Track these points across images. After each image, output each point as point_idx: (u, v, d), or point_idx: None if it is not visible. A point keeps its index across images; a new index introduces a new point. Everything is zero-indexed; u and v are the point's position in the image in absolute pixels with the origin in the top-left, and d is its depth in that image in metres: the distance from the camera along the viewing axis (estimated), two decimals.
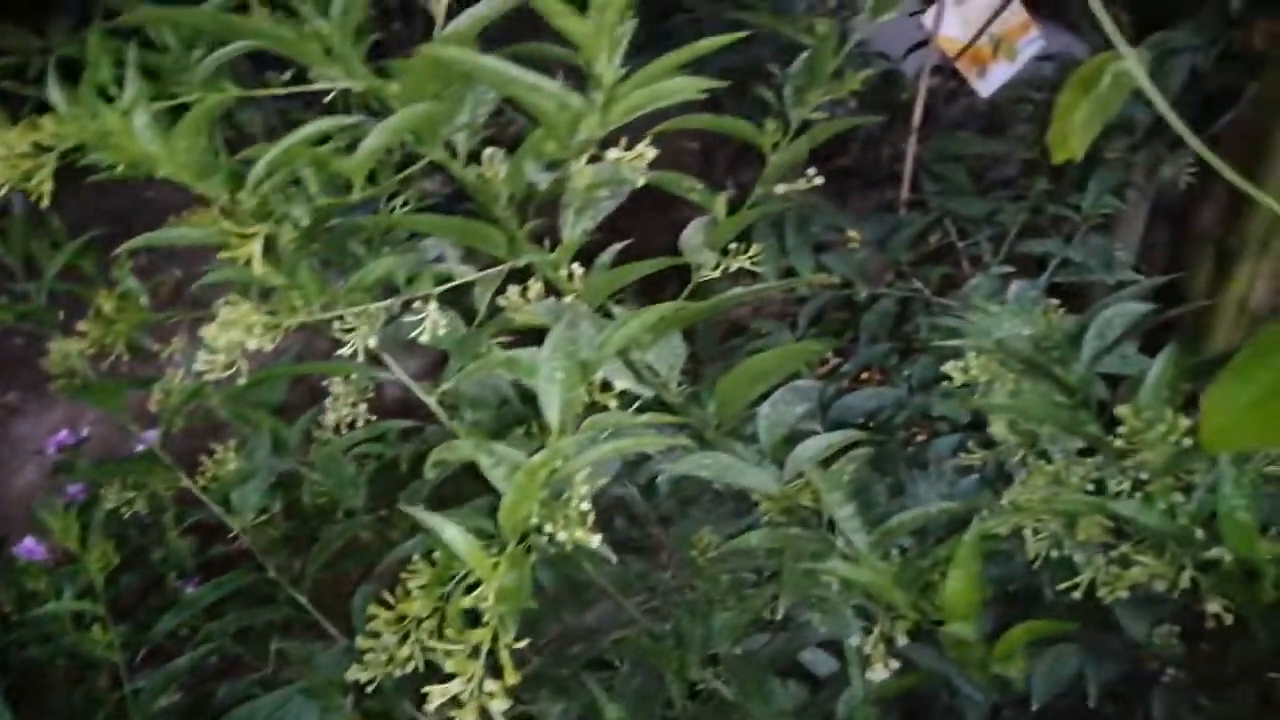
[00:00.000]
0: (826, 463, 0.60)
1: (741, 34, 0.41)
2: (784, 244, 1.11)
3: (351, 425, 0.72)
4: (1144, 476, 0.51)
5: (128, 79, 0.39)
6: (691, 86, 0.38)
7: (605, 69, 0.36)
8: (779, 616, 0.54)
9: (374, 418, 0.73)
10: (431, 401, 0.69)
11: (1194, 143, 0.43)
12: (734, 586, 0.71)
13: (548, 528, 0.40)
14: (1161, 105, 0.41)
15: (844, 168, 1.56)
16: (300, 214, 0.43)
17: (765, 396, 0.64)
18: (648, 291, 0.64)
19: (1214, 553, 0.47)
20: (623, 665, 0.75)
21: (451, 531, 0.36)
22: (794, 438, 0.62)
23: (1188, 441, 0.48)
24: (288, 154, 0.40)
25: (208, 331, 0.48)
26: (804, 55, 0.55)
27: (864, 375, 1.30)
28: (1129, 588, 0.52)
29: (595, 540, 0.41)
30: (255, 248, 0.41)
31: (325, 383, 0.73)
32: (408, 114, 0.39)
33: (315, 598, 0.82)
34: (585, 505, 0.41)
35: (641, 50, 0.40)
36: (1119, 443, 0.49)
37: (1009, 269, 1.04)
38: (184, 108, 0.45)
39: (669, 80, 0.38)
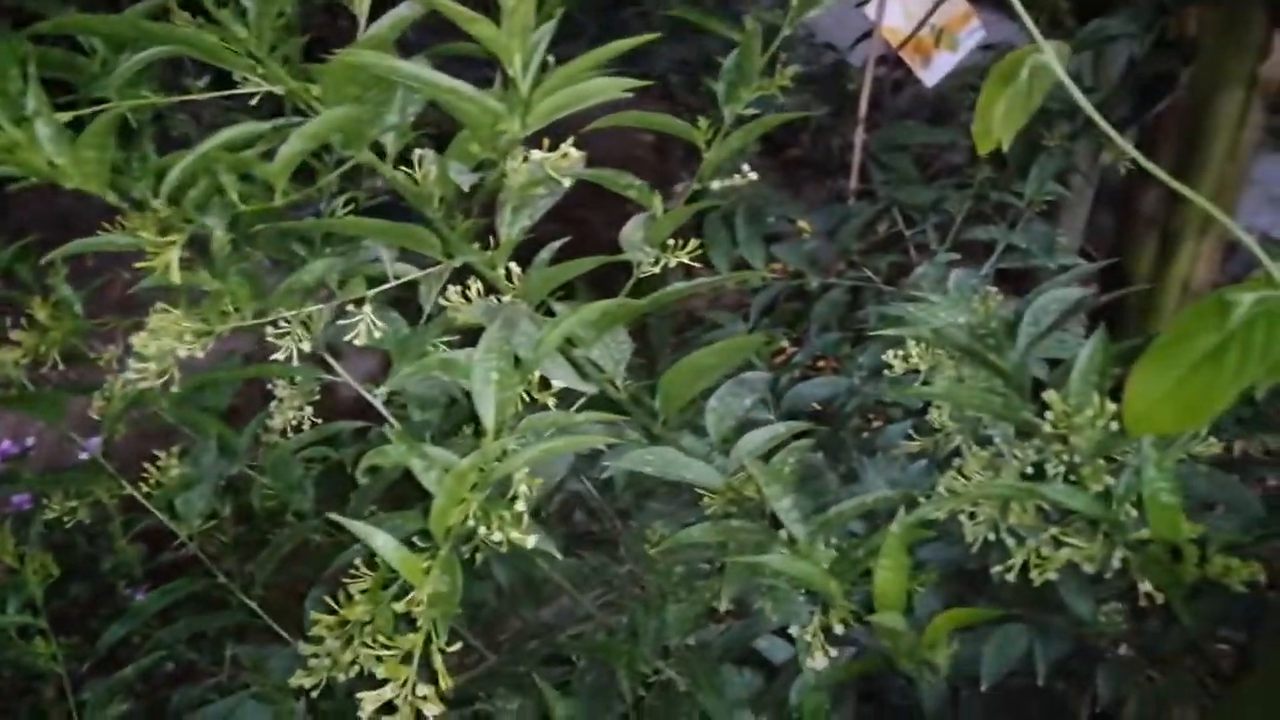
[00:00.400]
0: (771, 454, 0.60)
1: (653, 36, 0.41)
2: (735, 236, 1.11)
3: (299, 428, 0.72)
4: (1077, 460, 0.52)
5: (30, 88, 0.38)
6: (613, 87, 0.38)
7: (520, 73, 0.36)
8: (724, 608, 0.55)
9: (321, 420, 0.73)
10: (378, 402, 0.68)
11: (1116, 138, 0.44)
12: (686, 579, 0.71)
13: (483, 530, 0.40)
14: (1080, 99, 0.41)
15: (796, 158, 1.57)
16: (216, 222, 0.42)
17: (716, 388, 0.64)
18: (601, 284, 0.64)
19: (1144, 533, 0.48)
20: (580, 660, 0.76)
21: (380, 539, 0.36)
22: (744, 429, 0.63)
23: (1115, 425, 0.49)
24: (206, 159, 0.39)
25: (139, 339, 0.48)
26: (734, 53, 0.55)
27: (819, 364, 1.31)
28: (1066, 567, 0.53)
29: (531, 541, 0.41)
30: (173, 256, 0.41)
31: (270, 385, 0.73)
32: (328, 118, 0.39)
33: (269, 601, 0.82)
34: (521, 506, 0.41)
35: (594, 43, 0.40)
36: (1049, 428, 0.50)
37: (955, 256, 1.05)
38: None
39: (590, 81, 0.38)
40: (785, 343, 1.24)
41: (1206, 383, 0.37)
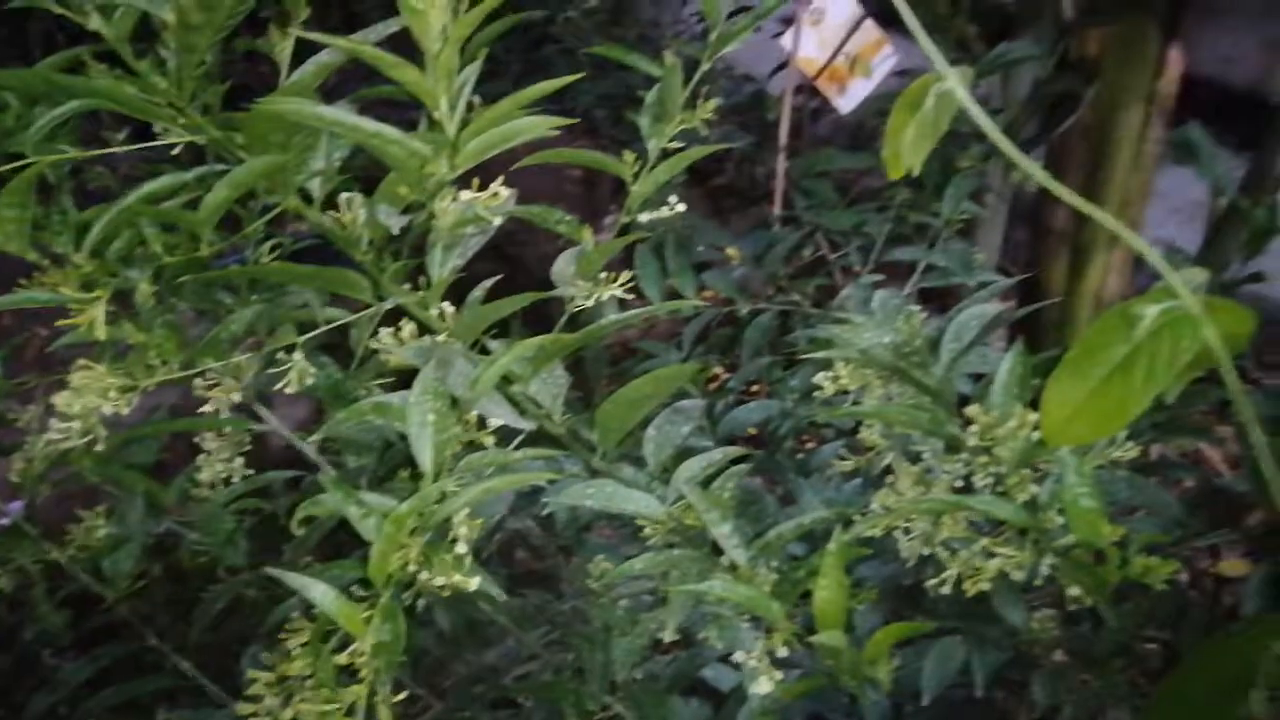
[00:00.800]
0: (709, 481, 0.61)
1: (577, 76, 0.42)
2: (666, 266, 1.13)
3: (228, 480, 0.70)
4: (1003, 470, 0.53)
5: None
6: (539, 126, 0.39)
7: (446, 116, 0.36)
8: (668, 638, 0.55)
9: (252, 471, 0.71)
10: (310, 450, 0.67)
11: (1022, 160, 0.45)
12: (630, 611, 0.71)
13: (424, 575, 0.40)
14: (985, 122, 0.43)
15: (721, 187, 1.59)
16: (138, 274, 0.42)
17: (654, 418, 0.65)
18: (535, 320, 0.64)
19: (1068, 539, 0.50)
20: (526, 702, 0.75)
21: (319, 590, 0.35)
22: (683, 456, 0.63)
23: (1037, 435, 0.51)
24: (129, 212, 0.38)
25: (61, 398, 0.47)
26: (656, 87, 0.56)
27: (753, 388, 1.33)
28: (998, 578, 0.54)
29: (473, 584, 0.40)
30: (99, 311, 0.40)
31: (198, 438, 0.71)
32: (253, 166, 0.38)
33: (203, 663, 0.79)
34: (462, 549, 0.41)
35: (519, 81, 0.41)
36: (974, 441, 0.52)
37: (879, 277, 1.08)
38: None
39: (516, 121, 0.39)
40: (719, 369, 1.26)
41: (1119, 393, 0.38)
